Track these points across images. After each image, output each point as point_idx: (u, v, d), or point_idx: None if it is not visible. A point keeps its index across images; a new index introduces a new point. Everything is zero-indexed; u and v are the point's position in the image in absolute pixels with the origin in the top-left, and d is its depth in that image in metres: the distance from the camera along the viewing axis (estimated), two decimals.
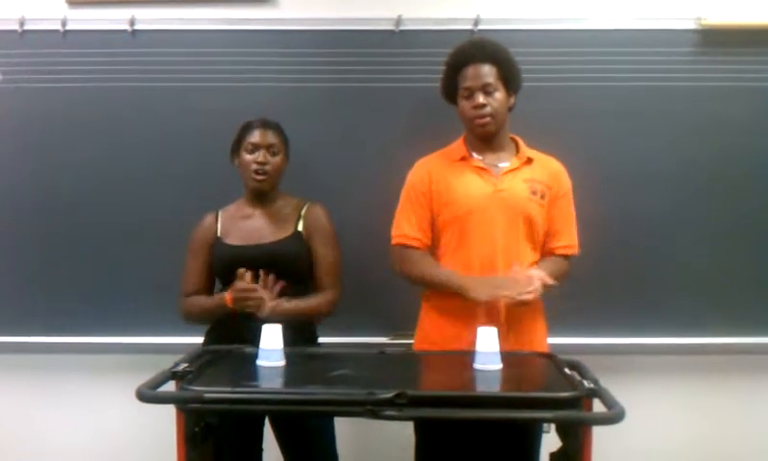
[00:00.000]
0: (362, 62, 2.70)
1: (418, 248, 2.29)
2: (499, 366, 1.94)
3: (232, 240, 2.35)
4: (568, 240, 2.33)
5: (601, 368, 1.93)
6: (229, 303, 2.21)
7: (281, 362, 1.96)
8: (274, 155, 2.34)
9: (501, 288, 2.11)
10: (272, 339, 1.95)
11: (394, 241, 2.32)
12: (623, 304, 2.72)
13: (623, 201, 2.69)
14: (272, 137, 2.34)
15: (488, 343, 1.94)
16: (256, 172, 2.32)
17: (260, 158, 2.32)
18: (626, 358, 2.75)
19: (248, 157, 2.34)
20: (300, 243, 2.34)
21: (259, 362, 1.95)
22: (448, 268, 2.24)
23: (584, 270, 2.45)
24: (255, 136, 2.34)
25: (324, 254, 2.36)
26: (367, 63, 2.70)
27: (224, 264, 2.32)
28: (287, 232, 2.34)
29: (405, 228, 2.30)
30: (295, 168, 2.46)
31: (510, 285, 2.11)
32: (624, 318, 2.72)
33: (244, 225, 2.37)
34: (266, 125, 2.36)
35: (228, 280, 2.31)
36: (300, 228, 2.35)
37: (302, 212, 2.37)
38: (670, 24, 2.70)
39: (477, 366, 1.94)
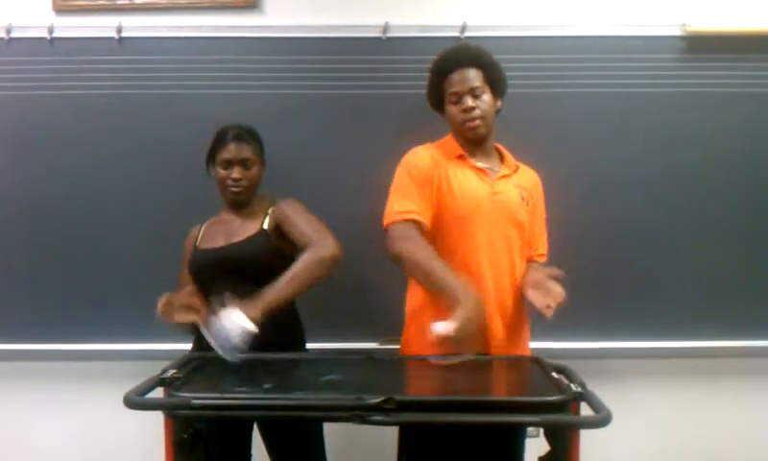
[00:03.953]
0: (349, 69, 2.71)
1: (418, 224, 2.11)
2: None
3: (203, 245, 2.34)
4: (544, 249, 2.38)
5: (588, 372, 1.93)
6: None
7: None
8: (248, 168, 2.32)
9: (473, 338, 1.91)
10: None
11: (389, 220, 2.14)
12: (610, 309, 2.73)
13: (608, 206, 2.70)
14: (245, 151, 2.30)
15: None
16: (231, 186, 2.31)
17: (235, 175, 2.30)
18: (613, 362, 2.77)
19: (222, 172, 2.32)
20: (262, 241, 2.27)
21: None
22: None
23: (571, 274, 2.45)
24: (229, 152, 2.30)
25: (297, 221, 2.25)
26: (354, 70, 2.71)
27: (194, 269, 2.32)
28: (252, 232, 2.29)
29: (406, 205, 2.13)
30: (281, 174, 2.46)
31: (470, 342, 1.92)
32: (611, 322, 2.73)
33: (217, 230, 2.36)
34: (239, 138, 2.30)
35: (199, 285, 2.31)
36: (265, 225, 2.30)
37: (269, 210, 2.33)
38: (655, 31, 2.72)
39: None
